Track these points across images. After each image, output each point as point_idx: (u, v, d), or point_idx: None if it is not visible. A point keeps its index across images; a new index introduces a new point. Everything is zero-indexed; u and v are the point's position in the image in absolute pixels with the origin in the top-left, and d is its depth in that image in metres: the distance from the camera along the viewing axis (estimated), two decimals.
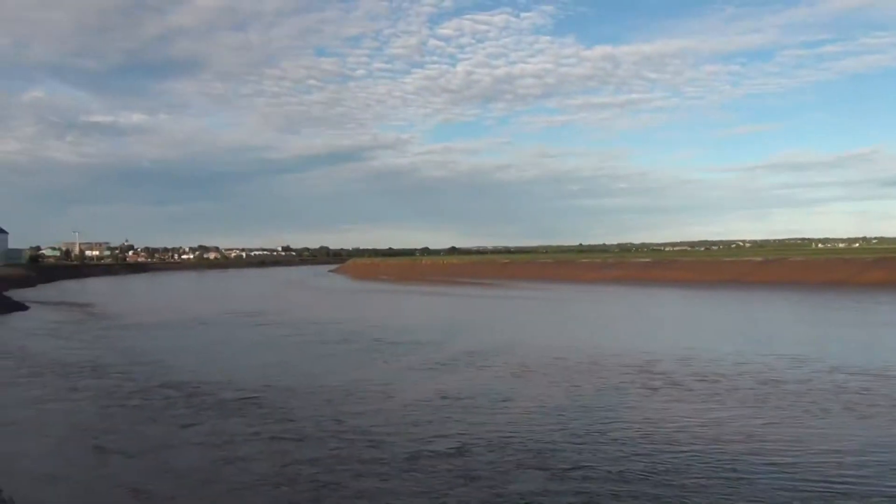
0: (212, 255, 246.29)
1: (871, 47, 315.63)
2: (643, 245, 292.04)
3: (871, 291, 63.00)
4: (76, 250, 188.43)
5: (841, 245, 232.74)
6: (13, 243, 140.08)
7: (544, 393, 20.51)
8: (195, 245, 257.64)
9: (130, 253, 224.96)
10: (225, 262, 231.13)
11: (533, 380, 22.63)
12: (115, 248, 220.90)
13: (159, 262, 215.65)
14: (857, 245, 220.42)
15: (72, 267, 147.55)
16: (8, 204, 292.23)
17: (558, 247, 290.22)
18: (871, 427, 16.17)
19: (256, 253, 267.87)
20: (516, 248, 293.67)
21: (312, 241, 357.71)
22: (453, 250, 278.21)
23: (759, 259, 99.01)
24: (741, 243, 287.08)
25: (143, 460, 15.31)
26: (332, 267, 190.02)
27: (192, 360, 28.40)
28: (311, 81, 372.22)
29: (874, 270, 78.65)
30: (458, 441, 15.66)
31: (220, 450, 15.85)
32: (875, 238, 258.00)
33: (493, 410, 18.48)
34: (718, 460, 13.88)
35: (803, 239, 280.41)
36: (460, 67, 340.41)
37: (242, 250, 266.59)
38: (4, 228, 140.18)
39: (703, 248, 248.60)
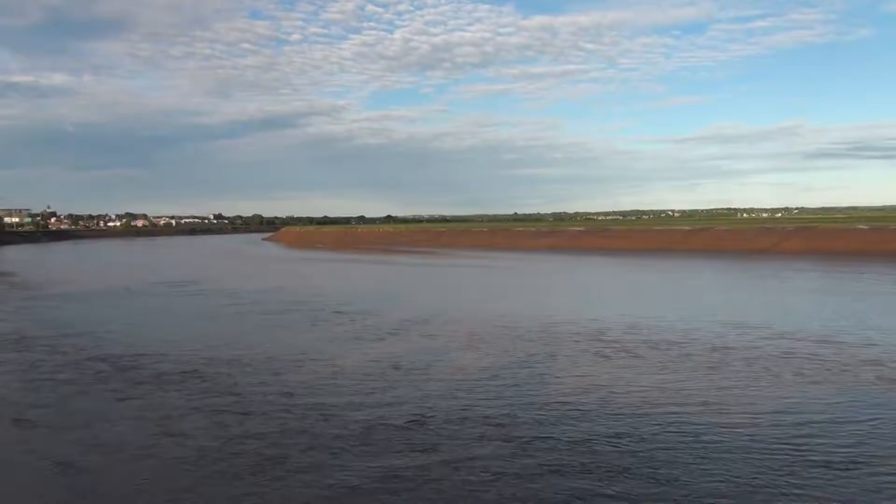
0: (140, 223, 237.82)
1: (799, 23, 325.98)
2: (577, 214, 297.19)
3: (790, 259, 65.21)
4: None
5: (764, 215, 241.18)
6: None
7: (498, 362, 20.11)
8: (122, 212, 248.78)
9: (53, 220, 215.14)
10: (154, 230, 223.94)
11: (485, 349, 22.21)
12: (37, 215, 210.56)
13: (84, 229, 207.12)
14: (780, 215, 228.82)
15: None
16: None
17: (494, 216, 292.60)
18: (824, 391, 16.31)
19: (187, 221, 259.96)
20: (452, 216, 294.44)
21: (246, 209, 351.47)
22: (389, 219, 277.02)
23: (687, 228, 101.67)
24: (671, 213, 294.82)
25: (73, 434, 14.50)
26: (266, 235, 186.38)
27: (126, 331, 27.01)
28: (245, 45, 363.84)
29: (793, 239, 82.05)
30: (415, 413, 15.13)
31: (157, 424, 15.03)
32: (796, 209, 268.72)
33: (448, 381, 17.99)
34: (681, 428, 13.71)
35: (730, 209, 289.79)
36: (398, 34, 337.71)
37: (172, 218, 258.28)
38: None
39: (634, 218, 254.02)
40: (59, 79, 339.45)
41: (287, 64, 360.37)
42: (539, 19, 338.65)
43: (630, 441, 13.02)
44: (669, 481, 11.15)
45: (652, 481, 11.17)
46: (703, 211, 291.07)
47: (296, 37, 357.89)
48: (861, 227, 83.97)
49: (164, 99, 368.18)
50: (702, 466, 11.71)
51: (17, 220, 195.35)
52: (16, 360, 22.20)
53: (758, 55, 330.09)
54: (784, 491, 10.72)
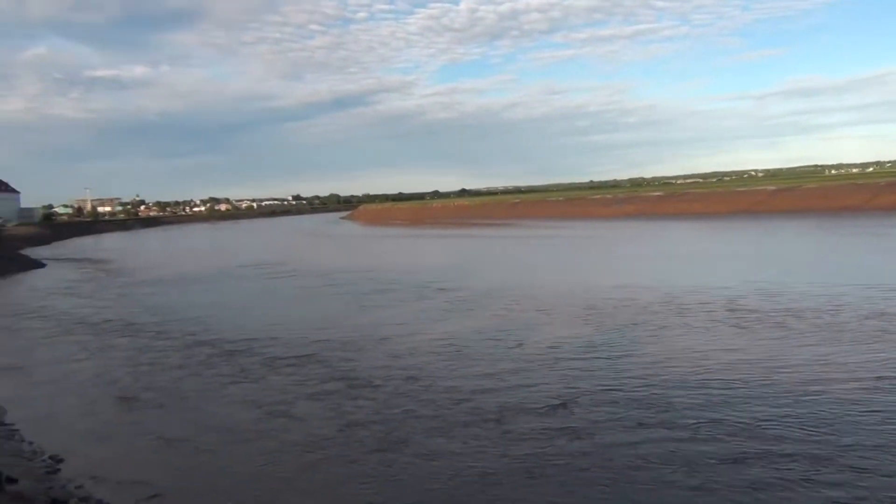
0: (223, 207, 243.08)
1: None
2: (654, 179, 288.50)
3: (885, 216, 61.04)
4: (88, 207, 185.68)
5: (854, 170, 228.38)
6: (25, 202, 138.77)
7: (631, 337, 18.67)
8: (206, 197, 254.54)
9: (142, 207, 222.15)
10: (236, 214, 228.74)
11: (611, 323, 20.72)
12: (127, 204, 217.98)
13: (171, 215, 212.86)
14: (871, 170, 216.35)
15: (85, 223, 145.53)
16: (18, 163, 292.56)
17: (569, 184, 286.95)
18: None
19: (267, 203, 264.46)
20: (526, 187, 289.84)
21: (322, 189, 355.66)
22: (463, 192, 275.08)
23: (772, 188, 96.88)
24: (753, 173, 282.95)
25: (185, 415, 14.34)
26: (343, 214, 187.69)
27: (229, 315, 26.69)
28: (313, 26, 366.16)
29: (887, 194, 76.90)
30: (554, 395, 13.89)
31: (271, 407, 14.52)
32: (889, 162, 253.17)
33: (582, 359, 16.67)
34: (870, 409, 12.04)
35: (816, 166, 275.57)
36: (463, 5, 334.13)
37: (253, 201, 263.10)
38: (16, 188, 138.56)
39: (715, 180, 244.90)
40: (139, 71, 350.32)
41: (354, 42, 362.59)
42: None
43: (816, 427, 11.42)
44: (875, 471, 9.58)
45: (855, 473, 9.62)
46: (787, 169, 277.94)
47: (362, 14, 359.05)
48: None
49: (239, 84, 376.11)
50: None
51: (109, 209, 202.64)
52: (125, 345, 22.14)
53: (839, 2, 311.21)
54: None
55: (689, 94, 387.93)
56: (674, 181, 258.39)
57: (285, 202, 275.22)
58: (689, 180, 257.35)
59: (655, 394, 13.60)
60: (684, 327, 19.41)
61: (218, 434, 12.99)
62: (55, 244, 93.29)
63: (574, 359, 16.73)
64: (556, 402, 13.49)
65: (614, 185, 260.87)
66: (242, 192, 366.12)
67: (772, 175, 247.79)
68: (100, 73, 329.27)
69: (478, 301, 26.59)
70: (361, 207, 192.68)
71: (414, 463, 11.22)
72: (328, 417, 13.70)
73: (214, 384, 16.70)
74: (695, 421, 11.97)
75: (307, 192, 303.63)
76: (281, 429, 13.17)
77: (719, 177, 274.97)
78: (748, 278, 27.63)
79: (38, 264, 58.11)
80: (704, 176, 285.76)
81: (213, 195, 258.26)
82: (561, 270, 36.01)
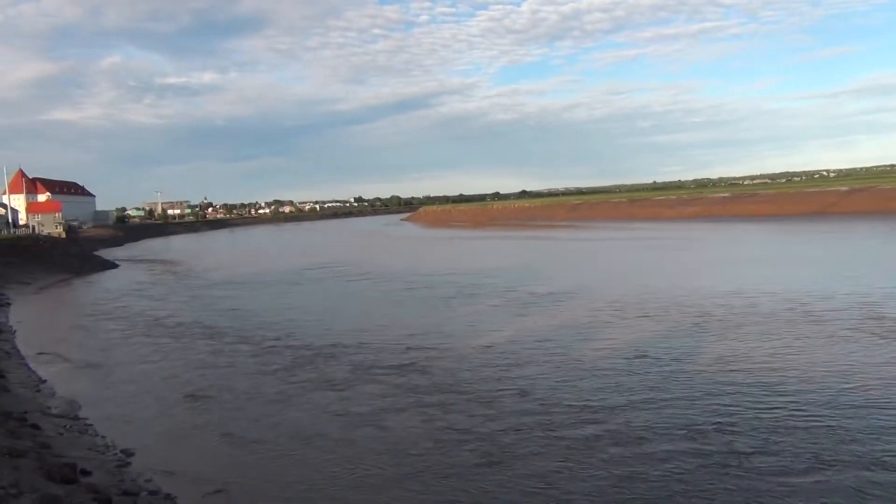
0: (287, 209, 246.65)
1: None
2: (720, 180, 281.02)
3: None
4: (159, 209, 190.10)
5: None
6: (100, 205, 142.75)
7: (767, 349, 16.60)
8: (270, 199, 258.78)
9: (210, 210, 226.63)
10: (300, 215, 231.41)
11: (735, 333, 18.64)
12: (195, 206, 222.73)
13: (237, 217, 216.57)
14: None
15: (156, 225, 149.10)
16: (93, 168, 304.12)
17: (631, 185, 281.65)
18: None
19: (330, 205, 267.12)
20: (588, 188, 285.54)
21: (384, 191, 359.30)
22: (524, 194, 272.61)
23: (844, 188, 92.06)
24: (825, 173, 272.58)
25: (262, 419, 13.74)
26: (404, 216, 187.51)
27: (308, 319, 25.59)
28: (376, 30, 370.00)
29: None
30: (698, 417, 12.10)
31: (360, 417, 13.49)
32: None
33: (719, 374, 14.75)
34: None
35: (893, 166, 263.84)
36: (525, 6, 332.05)
37: (316, 203, 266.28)
38: (91, 191, 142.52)
39: (784, 180, 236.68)
40: (207, 77, 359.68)
41: (416, 46, 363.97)
42: None
43: None
44: None
45: None
46: (861, 169, 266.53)
47: (424, 18, 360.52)
48: None
49: (304, 89, 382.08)
50: None
51: (178, 211, 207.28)
52: (199, 347, 21.38)
53: None
54: None
55: (758, 93, 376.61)
56: (740, 182, 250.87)
57: (347, 204, 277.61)
58: (756, 181, 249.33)
59: (826, 420, 11.66)
60: (828, 339, 17.24)
61: (296, 439, 12.35)
62: (128, 245, 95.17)
63: (709, 373, 14.86)
64: (702, 424, 11.72)
65: (678, 185, 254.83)
66: (306, 194, 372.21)
67: (844, 175, 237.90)
68: (171, 80, 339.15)
69: (575, 306, 24.82)
70: (422, 209, 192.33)
71: (520, 484, 9.99)
72: (423, 430, 12.51)
73: (296, 390, 15.74)
74: (888, 456, 10.01)
75: (368, 193, 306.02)
76: (367, 438, 12.20)
77: (789, 177, 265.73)
78: (868, 283, 25.19)
79: (111, 265, 58.76)
80: (773, 176, 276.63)
81: (277, 197, 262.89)
82: (652, 273, 33.73)
